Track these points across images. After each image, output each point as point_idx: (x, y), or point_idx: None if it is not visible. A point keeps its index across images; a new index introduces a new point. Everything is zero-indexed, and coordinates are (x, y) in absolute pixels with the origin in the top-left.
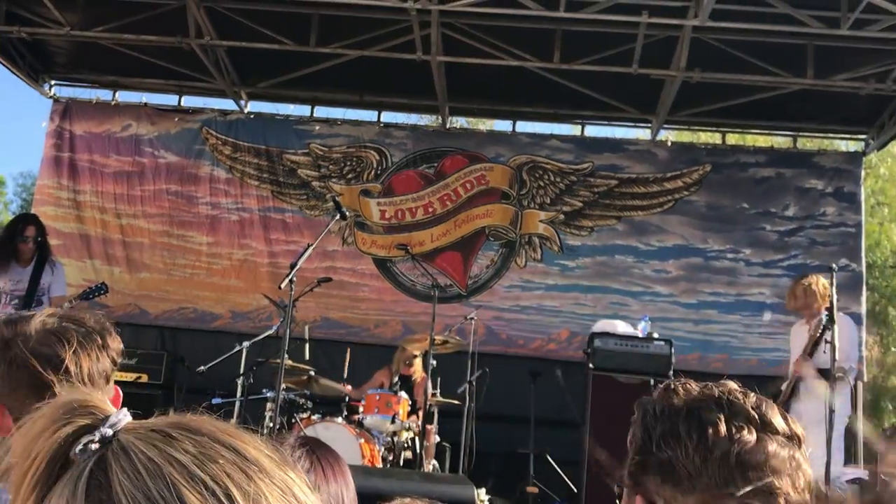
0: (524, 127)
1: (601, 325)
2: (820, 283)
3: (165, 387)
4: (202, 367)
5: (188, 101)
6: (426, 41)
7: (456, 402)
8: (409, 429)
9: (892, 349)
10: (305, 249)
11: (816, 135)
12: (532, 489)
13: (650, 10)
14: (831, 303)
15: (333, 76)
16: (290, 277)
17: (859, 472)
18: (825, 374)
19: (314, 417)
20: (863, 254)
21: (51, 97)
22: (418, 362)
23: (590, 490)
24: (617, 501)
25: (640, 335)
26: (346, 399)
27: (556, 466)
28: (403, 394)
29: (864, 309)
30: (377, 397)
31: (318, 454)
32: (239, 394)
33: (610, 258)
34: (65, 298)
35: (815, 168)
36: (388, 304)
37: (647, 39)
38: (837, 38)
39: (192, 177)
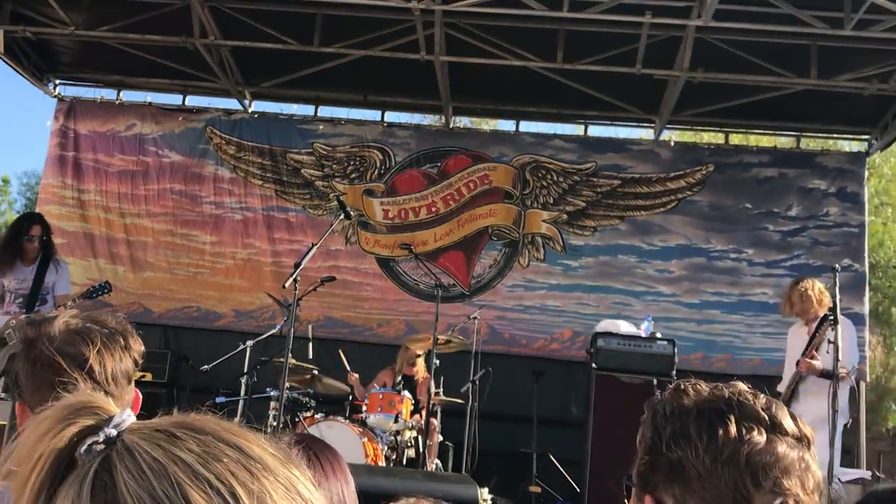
0: (527, 127)
1: (604, 325)
2: (816, 287)
3: (169, 386)
4: (206, 366)
5: (192, 101)
6: (430, 41)
7: (459, 401)
8: (412, 428)
9: None
10: (309, 249)
11: (820, 135)
12: (535, 489)
13: (653, 10)
14: (834, 303)
15: (337, 76)
16: (294, 277)
17: (861, 472)
18: (827, 374)
19: (317, 416)
20: (866, 254)
21: (55, 96)
22: (421, 362)
23: (592, 490)
24: (625, 501)
25: (643, 335)
26: (350, 398)
27: (558, 466)
28: (407, 393)
29: (866, 309)
30: (380, 396)
31: (316, 451)
32: (242, 393)
33: (613, 258)
34: (69, 297)
35: (818, 168)
36: (391, 303)
37: (651, 39)
38: (841, 38)
39: (196, 176)
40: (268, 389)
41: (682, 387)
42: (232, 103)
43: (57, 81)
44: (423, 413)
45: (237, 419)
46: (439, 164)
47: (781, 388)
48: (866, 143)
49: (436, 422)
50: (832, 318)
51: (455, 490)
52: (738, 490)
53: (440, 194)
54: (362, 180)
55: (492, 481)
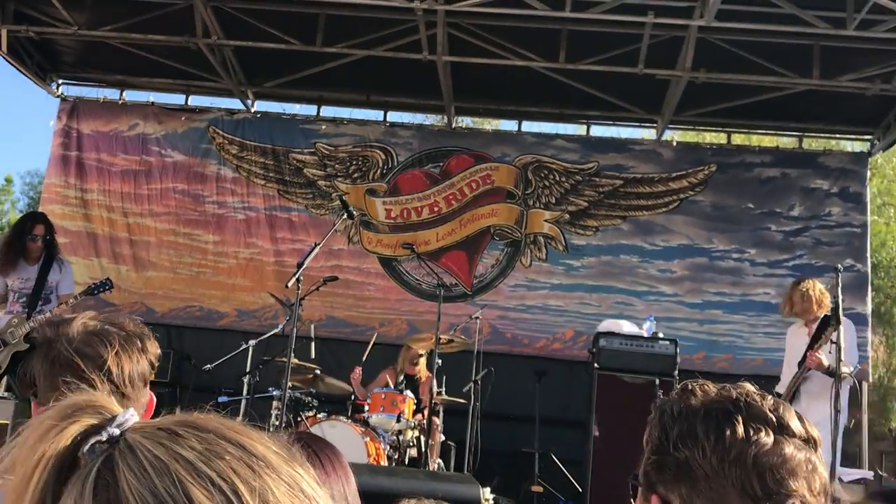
0: (530, 127)
1: (606, 325)
2: (817, 288)
3: (171, 385)
4: (208, 366)
5: (195, 101)
6: (432, 41)
7: (461, 400)
8: (414, 427)
9: None
10: (312, 248)
11: (822, 135)
12: (537, 488)
13: (656, 10)
14: (836, 303)
15: (340, 76)
16: (296, 276)
17: (863, 472)
18: (832, 372)
19: (320, 416)
20: (868, 254)
21: (58, 96)
22: (423, 361)
23: (594, 489)
24: (631, 500)
25: (646, 335)
26: (352, 398)
27: (560, 466)
28: (409, 393)
29: (869, 309)
30: (382, 396)
31: (315, 449)
32: (245, 392)
33: (615, 258)
34: (71, 296)
35: (820, 168)
36: (393, 302)
37: (653, 39)
38: (843, 38)
39: (199, 176)
40: (270, 389)
41: (690, 387)
42: (235, 103)
43: (60, 81)
44: (426, 413)
45: (239, 419)
46: (442, 164)
47: (780, 388)
48: (869, 144)
49: (438, 421)
50: (833, 317)
51: (458, 490)
52: (744, 491)
53: (442, 194)
54: (365, 180)
55: (494, 481)
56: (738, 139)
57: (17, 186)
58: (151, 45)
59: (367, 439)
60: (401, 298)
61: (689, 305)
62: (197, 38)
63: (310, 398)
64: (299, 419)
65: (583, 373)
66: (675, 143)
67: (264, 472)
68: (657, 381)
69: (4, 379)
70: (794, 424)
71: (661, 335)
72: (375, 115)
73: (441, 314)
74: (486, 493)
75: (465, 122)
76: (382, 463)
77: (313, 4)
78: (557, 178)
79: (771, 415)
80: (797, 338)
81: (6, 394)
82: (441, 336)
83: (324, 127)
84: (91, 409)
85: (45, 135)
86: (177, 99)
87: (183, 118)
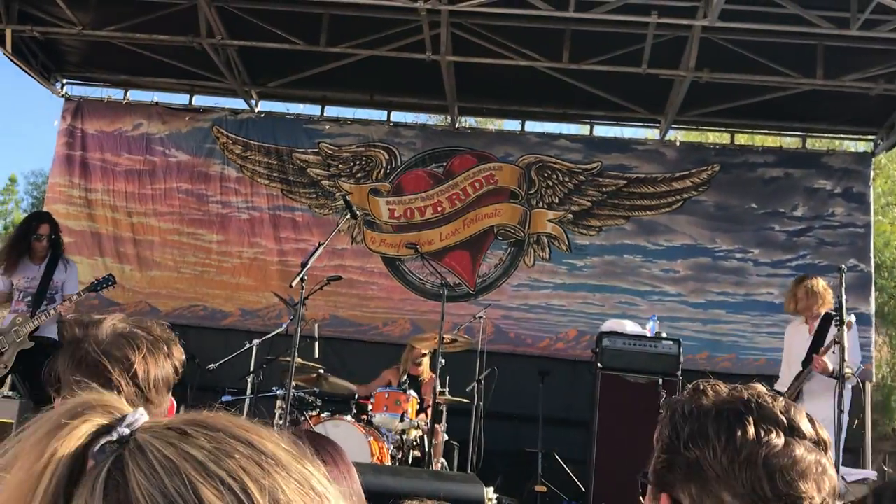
0: (533, 126)
1: (610, 325)
2: (820, 284)
3: (175, 384)
4: (212, 365)
5: (199, 101)
6: (436, 41)
7: (464, 400)
8: (417, 427)
9: None
10: (316, 248)
11: (825, 135)
12: (540, 488)
13: (659, 10)
14: (840, 304)
15: (343, 76)
16: (301, 276)
17: (866, 472)
18: (836, 374)
19: (323, 415)
20: (871, 254)
21: (63, 96)
22: (426, 361)
23: (597, 489)
24: (640, 499)
25: (649, 335)
26: (356, 397)
27: (564, 465)
28: (412, 392)
29: (872, 309)
30: (386, 395)
31: (317, 447)
32: (249, 392)
33: (618, 258)
34: (75, 294)
35: (823, 168)
36: (396, 302)
37: (657, 39)
38: (847, 38)
39: (203, 175)
40: (274, 388)
41: (701, 387)
42: (238, 103)
43: (64, 81)
44: (429, 412)
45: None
46: (445, 164)
47: (779, 386)
48: (872, 144)
49: (441, 421)
50: (837, 317)
51: (461, 489)
52: (754, 491)
53: (446, 194)
54: (368, 180)
55: (497, 480)
56: (741, 139)
57: (21, 186)
58: (155, 45)
59: (371, 439)
60: (404, 298)
61: (693, 305)
62: (201, 38)
63: (313, 398)
64: (303, 418)
65: (586, 372)
66: (678, 143)
67: (274, 470)
68: (660, 381)
69: (9, 378)
70: (805, 426)
71: (664, 335)
72: (379, 114)
73: (444, 314)
74: (490, 493)
75: (468, 121)
76: (386, 462)
77: (317, 4)
78: (561, 178)
79: (782, 416)
80: (797, 335)
81: (11, 393)
82: (444, 336)
83: (327, 127)
84: (101, 408)
85: (50, 134)
86: (181, 99)
87: (187, 118)
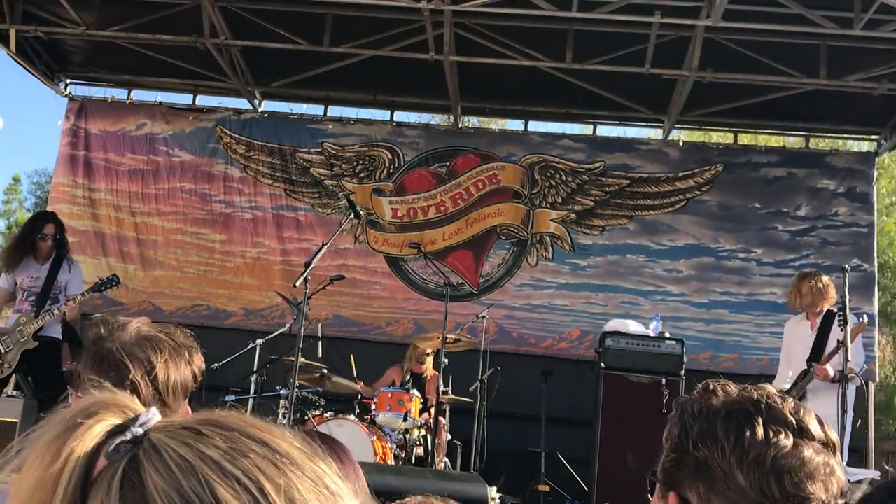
0: (536, 126)
1: (613, 325)
2: (823, 280)
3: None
4: (215, 365)
5: (202, 101)
6: (439, 41)
7: (467, 400)
8: (420, 426)
9: None
10: (320, 248)
11: (829, 135)
12: (543, 487)
13: (663, 10)
14: (844, 303)
15: (346, 76)
16: (304, 276)
17: (869, 472)
18: (838, 378)
19: (327, 415)
20: (875, 254)
21: (66, 96)
22: (430, 360)
23: (600, 489)
24: (648, 496)
25: (652, 334)
26: (359, 396)
27: (567, 465)
28: (415, 392)
29: (876, 309)
30: (389, 395)
31: (322, 447)
32: (252, 391)
33: (621, 257)
34: (79, 295)
35: (827, 168)
36: (399, 302)
37: (660, 39)
38: (850, 38)
39: (206, 175)
40: (277, 388)
41: (711, 387)
42: (242, 103)
43: (68, 81)
44: (432, 412)
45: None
46: (448, 164)
47: (777, 382)
48: (875, 143)
49: (444, 420)
50: (841, 316)
51: (465, 489)
52: (762, 492)
53: (449, 193)
54: (371, 179)
55: (500, 480)
56: (744, 139)
57: (24, 185)
58: (159, 45)
59: (374, 438)
60: (407, 297)
61: (696, 305)
62: (204, 38)
63: (317, 397)
64: (306, 418)
65: (589, 372)
66: (681, 143)
67: (289, 469)
68: (663, 381)
69: (13, 377)
70: (814, 428)
71: (667, 335)
72: (382, 114)
73: (447, 313)
74: (493, 493)
75: (471, 121)
76: (389, 462)
77: (320, 4)
78: (564, 178)
79: (791, 417)
80: (798, 331)
81: (15, 392)
82: (448, 335)
83: (331, 127)
84: (115, 408)
85: (53, 134)
86: (184, 99)
87: (190, 118)
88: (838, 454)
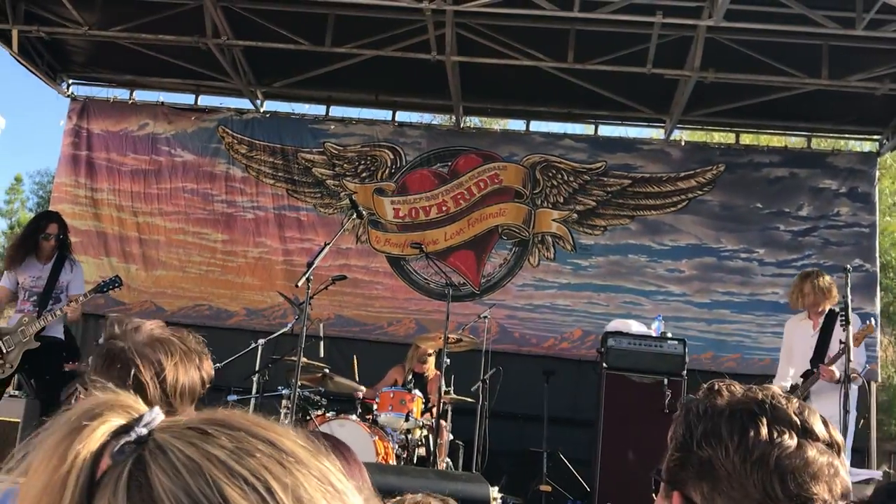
0: (538, 126)
1: (615, 325)
2: (826, 280)
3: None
4: (217, 364)
5: (205, 101)
6: (441, 41)
7: (469, 400)
8: (422, 426)
9: None
10: (322, 248)
11: (831, 135)
12: (545, 488)
13: (664, 10)
14: (846, 303)
15: (348, 76)
16: (307, 276)
17: (872, 472)
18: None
19: (328, 415)
20: (877, 254)
21: (69, 96)
22: (432, 360)
23: (602, 489)
24: (653, 496)
25: (654, 334)
26: (361, 396)
27: (568, 465)
28: (417, 391)
29: (878, 309)
30: (391, 395)
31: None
32: (254, 391)
33: (623, 257)
34: (81, 295)
35: (829, 168)
36: (401, 302)
37: (662, 39)
38: (852, 38)
39: (208, 175)
40: (279, 388)
41: (717, 387)
42: (244, 103)
43: (70, 81)
44: (434, 412)
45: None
46: (450, 164)
47: (777, 381)
48: (877, 144)
49: (446, 421)
50: (843, 316)
51: (467, 489)
52: (765, 492)
53: (450, 193)
54: (373, 179)
55: (502, 480)
56: (746, 139)
57: (26, 185)
58: (161, 46)
59: (376, 438)
60: (409, 297)
61: (698, 305)
62: (207, 39)
63: (319, 397)
64: (308, 418)
65: (591, 372)
66: (683, 143)
67: (295, 468)
68: (665, 381)
69: (16, 377)
70: (819, 428)
71: (669, 335)
72: (384, 114)
73: (449, 313)
74: (494, 493)
75: (473, 121)
76: (391, 462)
77: (322, 5)
78: (565, 178)
79: (795, 418)
80: (799, 330)
81: (17, 392)
82: (449, 335)
83: (332, 127)
84: (119, 408)
85: (55, 134)
86: (186, 99)
87: (193, 118)
88: (843, 455)
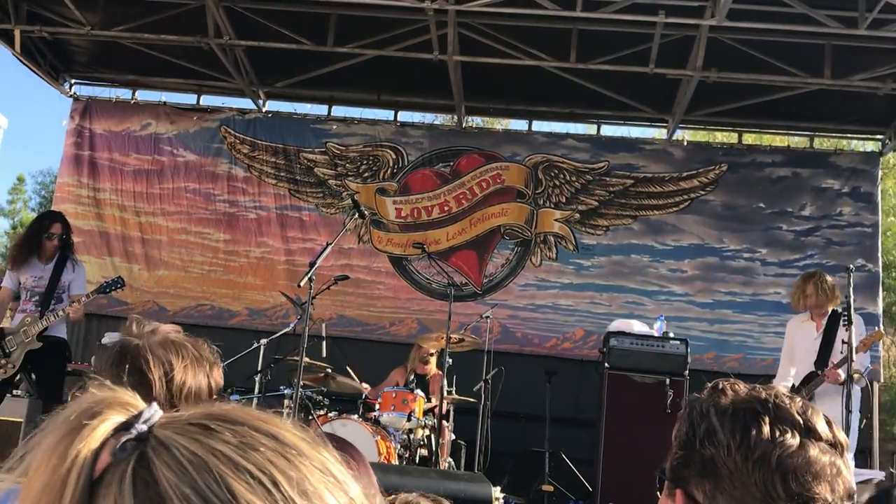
0: (540, 126)
1: (617, 325)
2: (829, 282)
3: None
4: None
5: (207, 101)
6: (443, 41)
7: (471, 400)
8: (424, 426)
9: None
10: (324, 248)
11: (833, 135)
12: (547, 488)
13: (667, 9)
14: (848, 304)
15: (350, 76)
16: (309, 276)
17: (874, 472)
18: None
19: (331, 414)
20: (879, 254)
21: (71, 96)
22: (434, 360)
23: (604, 489)
24: (657, 493)
25: (656, 334)
26: (363, 396)
27: (570, 465)
28: (419, 391)
29: (880, 309)
30: (393, 395)
31: (339, 448)
32: (256, 391)
33: (625, 257)
34: (83, 296)
35: (831, 168)
36: (403, 302)
37: (664, 39)
38: (855, 38)
39: (211, 175)
40: (281, 388)
41: (721, 386)
42: (246, 103)
43: (73, 81)
44: (436, 412)
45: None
46: (452, 164)
47: (777, 381)
48: (880, 143)
49: (448, 420)
50: (846, 317)
51: (469, 489)
52: (766, 491)
53: (453, 193)
54: (375, 179)
55: (504, 480)
56: (748, 139)
57: (28, 185)
58: (164, 46)
59: (378, 438)
60: (411, 297)
61: (700, 305)
62: (209, 39)
63: (321, 397)
64: (311, 418)
65: (593, 372)
66: (685, 143)
67: (298, 460)
68: (667, 381)
69: (18, 377)
70: (822, 428)
71: (671, 335)
72: (386, 114)
73: (451, 313)
74: (496, 493)
75: (475, 121)
76: (393, 462)
77: (324, 4)
78: (568, 178)
79: (798, 417)
80: (802, 331)
81: (20, 392)
82: (451, 335)
83: (335, 127)
84: (118, 406)
85: (58, 134)
86: (189, 99)
87: (195, 118)
88: (846, 455)
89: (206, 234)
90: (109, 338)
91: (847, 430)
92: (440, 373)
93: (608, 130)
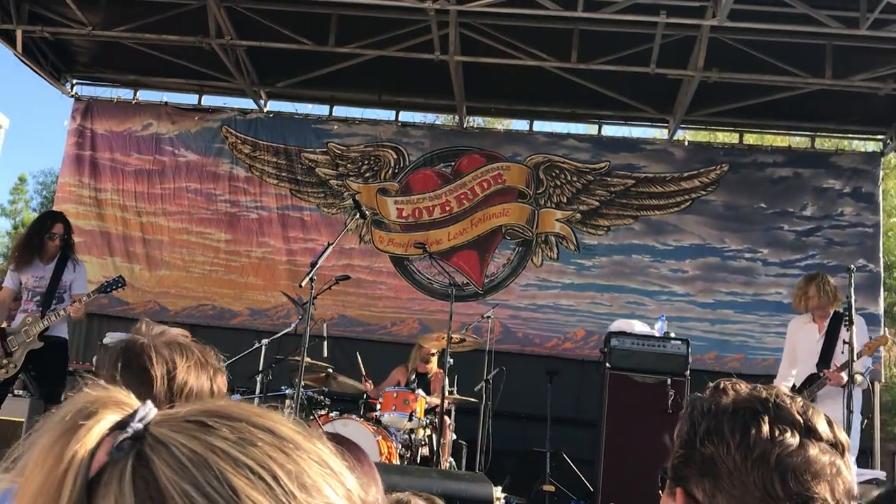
0: (541, 126)
1: (618, 325)
2: (831, 283)
3: None
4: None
5: (208, 101)
6: (444, 41)
7: (472, 400)
8: (425, 426)
9: None
10: (326, 248)
11: (834, 135)
12: (548, 488)
13: (668, 9)
14: (850, 304)
15: (352, 76)
16: (310, 276)
17: (875, 472)
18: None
19: (332, 414)
20: (881, 254)
21: (73, 96)
22: (435, 360)
23: (606, 489)
24: (659, 492)
25: (657, 335)
26: (364, 396)
27: (572, 465)
28: (421, 391)
29: (881, 310)
30: (395, 395)
31: (344, 448)
32: (258, 391)
33: (626, 257)
34: (84, 295)
35: (832, 168)
36: (404, 302)
37: (665, 39)
38: (856, 38)
39: (212, 175)
40: (283, 388)
41: (722, 385)
42: (247, 103)
43: (74, 81)
44: (437, 412)
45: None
46: (453, 164)
47: (778, 381)
48: (881, 143)
49: (449, 420)
50: (847, 317)
51: (471, 489)
52: (765, 490)
53: (454, 193)
54: (376, 179)
55: (505, 480)
56: (750, 139)
57: (30, 185)
58: (165, 46)
59: (380, 438)
60: (412, 297)
61: (701, 305)
62: (210, 39)
63: (322, 397)
64: (312, 418)
65: (594, 372)
66: (686, 143)
67: (296, 454)
68: (669, 381)
69: (20, 377)
70: (822, 428)
71: (672, 335)
72: (387, 114)
73: (452, 313)
74: (498, 493)
75: (476, 121)
76: (394, 461)
77: (326, 5)
78: (569, 178)
79: (799, 417)
80: (803, 333)
81: (21, 392)
82: (453, 335)
83: (336, 127)
84: (113, 405)
85: (59, 134)
86: (190, 99)
87: (196, 118)
88: (847, 455)
89: (207, 234)
90: (111, 337)
91: (849, 431)
92: (441, 371)
93: (609, 130)
